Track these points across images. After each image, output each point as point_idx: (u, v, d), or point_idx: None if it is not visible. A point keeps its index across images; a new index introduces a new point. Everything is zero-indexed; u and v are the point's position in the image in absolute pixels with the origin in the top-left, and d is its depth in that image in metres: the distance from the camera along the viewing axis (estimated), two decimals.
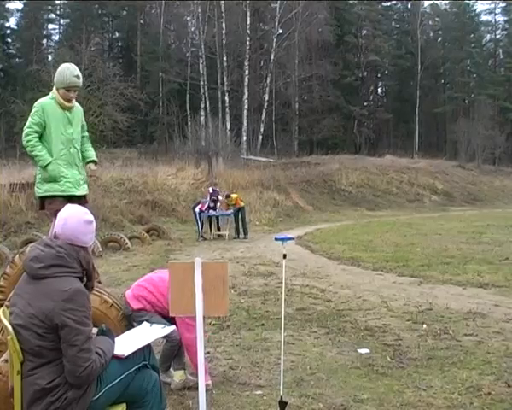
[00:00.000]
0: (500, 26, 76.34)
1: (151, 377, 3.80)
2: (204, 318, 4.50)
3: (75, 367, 3.33)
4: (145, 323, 4.59)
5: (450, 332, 7.51)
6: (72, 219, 3.63)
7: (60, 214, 3.69)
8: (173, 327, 4.60)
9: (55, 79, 6.29)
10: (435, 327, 7.78)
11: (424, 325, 7.90)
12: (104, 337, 3.70)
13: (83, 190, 6.60)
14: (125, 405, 3.70)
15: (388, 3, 75.61)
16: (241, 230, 22.12)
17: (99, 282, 5.65)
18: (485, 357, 6.46)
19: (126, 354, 3.66)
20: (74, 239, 3.58)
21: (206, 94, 52.97)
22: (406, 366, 6.18)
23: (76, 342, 3.32)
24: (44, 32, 66.06)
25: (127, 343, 3.79)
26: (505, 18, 75.27)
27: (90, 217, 3.73)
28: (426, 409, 5.04)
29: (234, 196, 23.11)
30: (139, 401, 3.73)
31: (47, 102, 6.28)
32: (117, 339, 3.92)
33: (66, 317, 3.30)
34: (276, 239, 5.29)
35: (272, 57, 53.56)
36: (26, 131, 6.23)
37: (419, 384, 5.63)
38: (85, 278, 3.65)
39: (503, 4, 73.51)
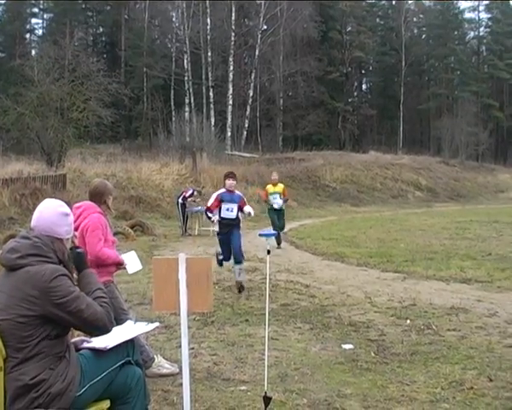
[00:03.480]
0: (483, 23, 76.71)
1: (135, 373, 3.80)
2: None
3: (92, 327, 3.50)
4: (129, 321, 4.59)
5: (434, 327, 7.56)
6: (47, 211, 3.65)
7: (37, 208, 3.70)
8: (156, 324, 4.59)
9: None
10: (419, 322, 7.83)
11: (408, 321, 7.95)
12: (86, 276, 3.78)
13: None
14: (108, 401, 3.69)
15: (373, 0, 75.76)
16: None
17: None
18: (468, 352, 6.51)
19: (109, 346, 3.66)
20: (49, 230, 3.58)
21: (191, 89, 52.81)
22: (390, 361, 6.21)
23: (76, 308, 3.39)
24: (28, 27, 65.50)
25: (110, 338, 3.78)
26: (488, 15, 75.65)
27: (66, 209, 3.73)
28: (409, 404, 5.07)
29: (281, 184, 17.69)
30: (123, 398, 3.73)
31: None
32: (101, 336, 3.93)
33: (55, 296, 3.33)
34: (259, 235, 5.30)
35: (257, 53, 53.52)
36: None
37: (402, 379, 5.67)
38: None
39: (487, 2, 73.93)
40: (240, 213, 10.66)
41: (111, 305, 3.67)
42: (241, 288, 10.19)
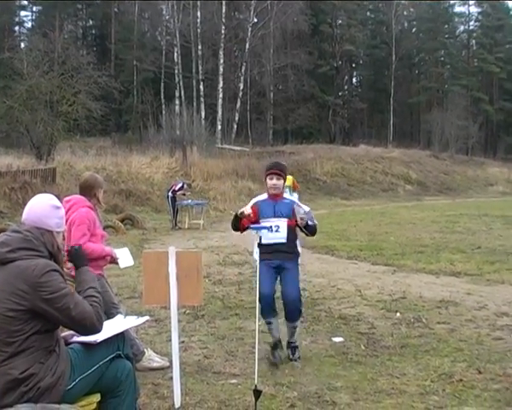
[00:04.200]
0: (473, 17, 76.74)
1: (125, 366, 3.80)
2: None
3: (80, 326, 3.46)
4: (119, 315, 4.59)
5: (424, 320, 7.59)
6: (38, 204, 3.67)
7: (28, 202, 3.70)
8: (146, 317, 4.58)
9: None
10: (409, 315, 7.85)
11: (398, 314, 7.98)
12: (82, 273, 3.77)
13: None
14: (99, 395, 3.69)
15: None
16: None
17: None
18: (458, 345, 6.54)
19: (99, 340, 3.65)
20: (39, 222, 3.57)
21: (181, 83, 52.69)
22: (380, 354, 6.23)
23: (65, 306, 3.35)
24: (17, 19, 65.13)
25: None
26: (478, 9, 75.68)
27: (57, 203, 3.73)
28: (399, 396, 5.09)
29: (290, 176, 13.67)
30: (113, 391, 3.73)
31: None
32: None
33: (45, 292, 3.32)
34: (251, 228, 5.28)
35: (247, 46, 53.41)
36: None
37: (392, 372, 5.69)
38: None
39: None
40: (297, 238, 6.36)
41: (102, 304, 3.65)
42: (293, 353, 6.22)
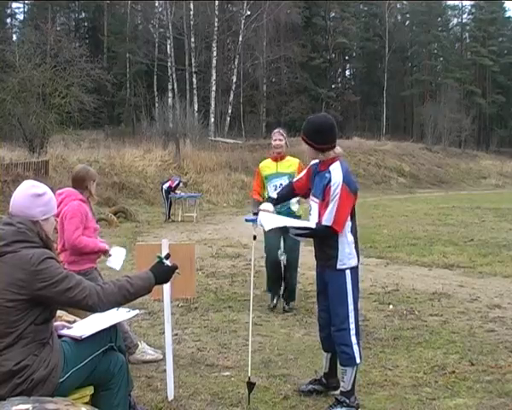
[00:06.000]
0: (466, 10, 76.93)
1: (118, 359, 3.80)
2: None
3: (81, 305, 3.46)
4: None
5: (416, 313, 7.61)
6: (19, 195, 3.61)
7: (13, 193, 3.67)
8: (137, 311, 4.58)
9: None
10: (401, 308, 7.87)
11: (390, 306, 8.00)
12: (148, 278, 3.69)
13: None
14: (92, 387, 3.70)
15: None
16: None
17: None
18: (450, 337, 6.57)
19: (84, 336, 3.64)
20: (22, 214, 3.54)
21: (174, 75, 52.52)
22: (373, 346, 6.25)
23: (63, 288, 3.35)
24: (8, 11, 64.78)
25: (89, 326, 3.77)
26: (471, 2, 75.95)
27: (38, 190, 3.63)
28: (392, 388, 5.11)
29: (294, 159, 8.72)
30: (106, 384, 3.73)
31: None
32: (81, 322, 3.93)
33: (43, 279, 3.32)
34: (246, 220, 5.24)
35: (240, 39, 53.26)
36: None
37: (385, 364, 5.71)
38: None
39: None
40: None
41: (119, 290, 3.59)
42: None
